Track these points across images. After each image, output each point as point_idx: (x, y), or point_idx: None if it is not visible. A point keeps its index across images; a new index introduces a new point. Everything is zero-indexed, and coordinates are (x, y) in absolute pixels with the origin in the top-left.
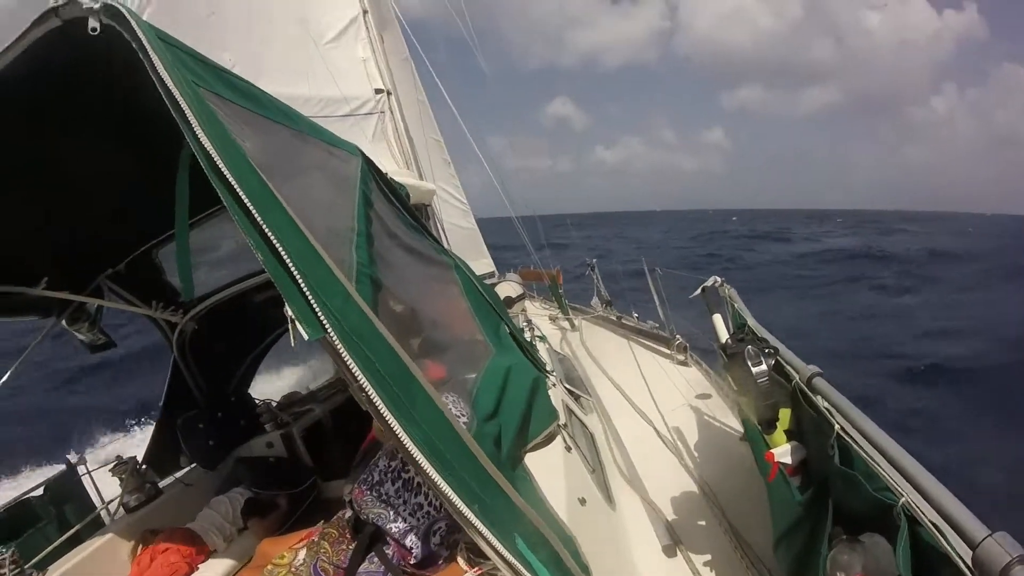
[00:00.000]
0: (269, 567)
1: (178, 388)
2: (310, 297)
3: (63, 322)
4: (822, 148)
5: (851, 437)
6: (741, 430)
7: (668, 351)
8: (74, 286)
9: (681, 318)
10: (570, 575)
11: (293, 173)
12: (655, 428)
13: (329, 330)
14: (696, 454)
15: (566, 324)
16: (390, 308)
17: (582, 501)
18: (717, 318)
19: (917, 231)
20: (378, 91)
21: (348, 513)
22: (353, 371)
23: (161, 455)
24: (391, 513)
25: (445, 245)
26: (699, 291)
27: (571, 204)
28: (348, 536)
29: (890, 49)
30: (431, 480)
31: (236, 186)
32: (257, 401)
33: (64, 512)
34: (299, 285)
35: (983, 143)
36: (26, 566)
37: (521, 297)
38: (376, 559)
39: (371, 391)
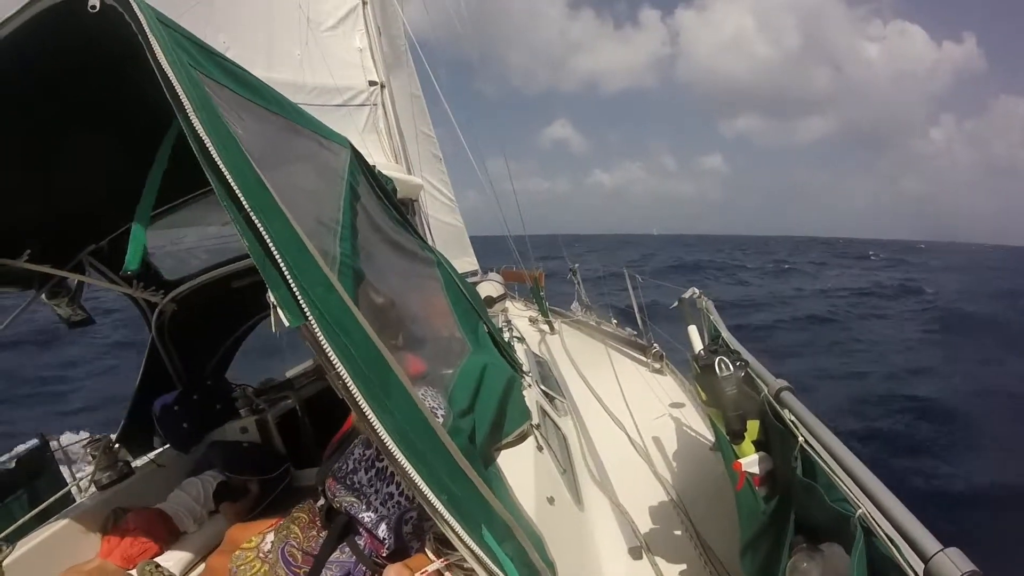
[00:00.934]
0: (237, 552)
1: (155, 369)
2: (293, 285)
3: (43, 296)
4: (819, 177)
5: (814, 450)
6: (712, 439)
7: (645, 359)
8: (56, 261)
9: (660, 328)
10: (535, 570)
11: (283, 162)
12: (627, 434)
13: (309, 318)
14: (667, 461)
15: (545, 327)
16: (371, 300)
17: (551, 500)
18: (692, 329)
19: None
20: (372, 83)
21: (321, 501)
22: (331, 359)
23: (135, 434)
24: (363, 501)
25: (430, 241)
26: (676, 303)
27: (567, 225)
28: (319, 523)
29: (887, 80)
30: (401, 468)
31: (225, 171)
32: (234, 385)
33: (35, 486)
34: (283, 272)
35: (980, 173)
36: None
37: (502, 297)
38: (348, 549)
39: (348, 379)
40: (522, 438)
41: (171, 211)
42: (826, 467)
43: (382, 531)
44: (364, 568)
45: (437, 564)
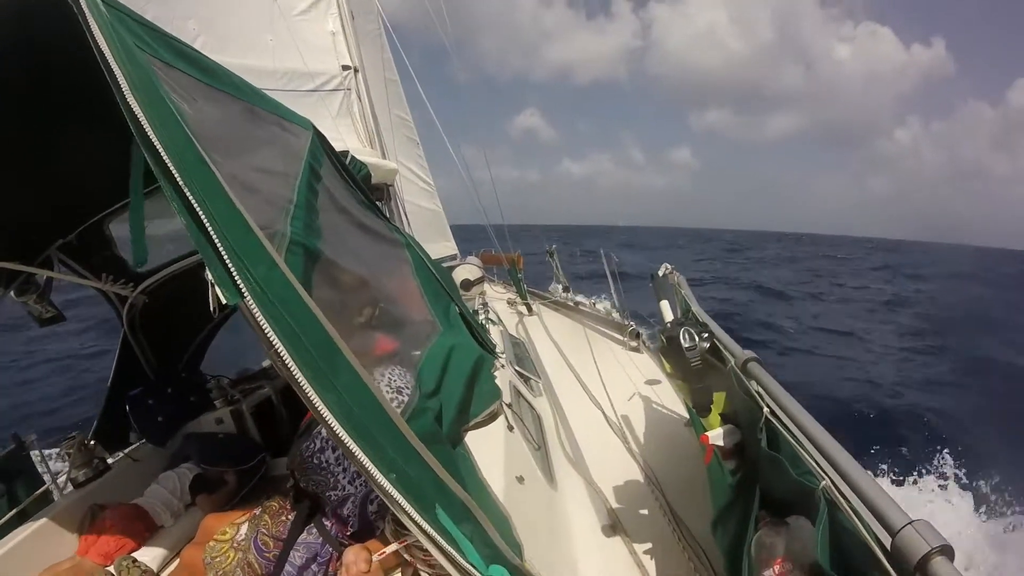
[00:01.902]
0: (211, 543)
1: (128, 363)
2: (229, 262)
3: (11, 293)
4: (787, 172)
5: (780, 420)
6: (687, 416)
7: (621, 337)
8: (24, 257)
9: (636, 306)
10: (497, 550)
11: (235, 143)
12: (603, 412)
13: (247, 296)
14: (642, 439)
15: (523, 308)
16: (331, 279)
17: (520, 479)
18: (664, 304)
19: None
20: (345, 68)
21: (290, 482)
22: (269, 337)
23: (110, 430)
24: (330, 480)
25: (406, 226)
26: (650, 279)
27: (538, 216)
28: (288, 507)
29: (856, 79)
30: (344, 446)
31: (160, 149)
32: (208, 377)
33: (13, 488)
34: (218, 250)
35: (947, 175)
36: None
37: (480, 280)
38: (315, 530)
39: (286, 357)
40: (492, 418)
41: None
42: (791, 438)
43: (347, 509)
44: (331, 549)
45: (395, 546)
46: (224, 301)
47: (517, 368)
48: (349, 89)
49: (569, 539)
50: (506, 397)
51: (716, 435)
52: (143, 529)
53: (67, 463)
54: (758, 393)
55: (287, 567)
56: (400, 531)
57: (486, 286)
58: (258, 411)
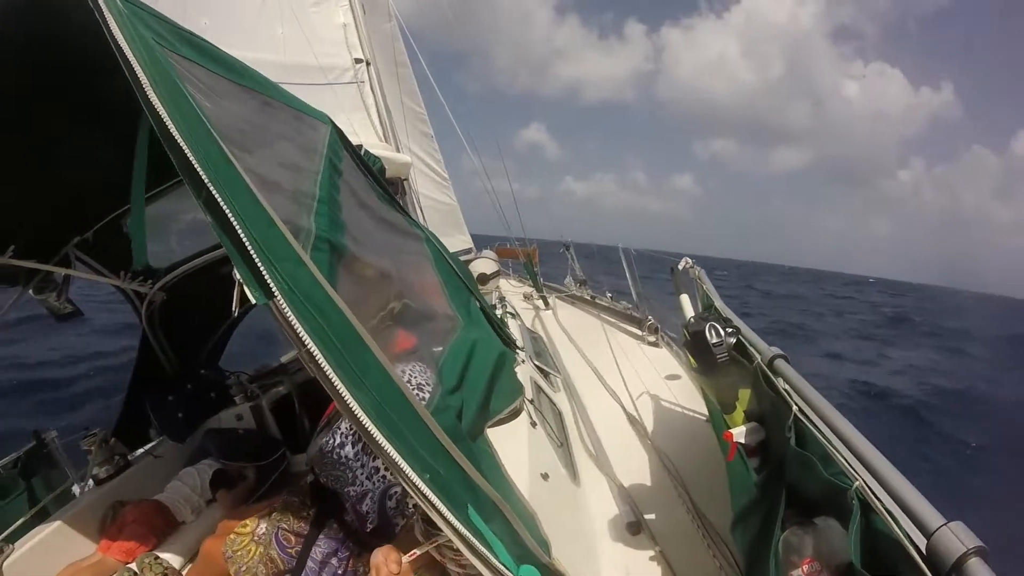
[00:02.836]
0: (232, 536)
1: (147, 360)
2: (258, 261)
3: (30, 291)
4: (792, 207)
5: (809, 419)
6: (708, 412)
7: (640, 331)
8: (42, 255)
9: (655, 300)
10: (526, 548)
11: (256, 138)
12: (623, 407)
13: (277, 295)
14: (663, 434)
15: (540, 302)
16: (355, 275)
17: (545, 476)
18: (684, 298)
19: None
20: (357, 61)
21: (310, 478)
22: (300, 336)
23: (130, 427)
24: (349, 475)
25: (420, 220)
26: (671, 273)
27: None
28: (308, 503)
29: (863, 118)
30: (378, 445)
31: (183, 144)
32: (228, 373)
33: (33, 485)
34: (246, 249)
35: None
36: None
37: (496, 274)
38: (336, 525)
39: (319, 356)
40: (515, 414)
41: (159, 195)
42: (821, 437)
43: (366, 505)
44: (351, 545)
45: (426, 546)
46: (254, 302)
47: (537, 363)
48: (363, 82)
49: (595, 537)
50: (528, 393)
51: (740, 432)
52: (164, 525)
53: (90, 459)
54: (786, 391)
55: (308, 562)
56: (431, 531)
57: (502, 280)
58: (277, 407)
